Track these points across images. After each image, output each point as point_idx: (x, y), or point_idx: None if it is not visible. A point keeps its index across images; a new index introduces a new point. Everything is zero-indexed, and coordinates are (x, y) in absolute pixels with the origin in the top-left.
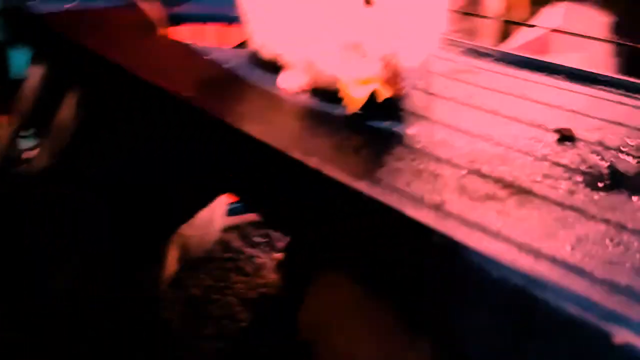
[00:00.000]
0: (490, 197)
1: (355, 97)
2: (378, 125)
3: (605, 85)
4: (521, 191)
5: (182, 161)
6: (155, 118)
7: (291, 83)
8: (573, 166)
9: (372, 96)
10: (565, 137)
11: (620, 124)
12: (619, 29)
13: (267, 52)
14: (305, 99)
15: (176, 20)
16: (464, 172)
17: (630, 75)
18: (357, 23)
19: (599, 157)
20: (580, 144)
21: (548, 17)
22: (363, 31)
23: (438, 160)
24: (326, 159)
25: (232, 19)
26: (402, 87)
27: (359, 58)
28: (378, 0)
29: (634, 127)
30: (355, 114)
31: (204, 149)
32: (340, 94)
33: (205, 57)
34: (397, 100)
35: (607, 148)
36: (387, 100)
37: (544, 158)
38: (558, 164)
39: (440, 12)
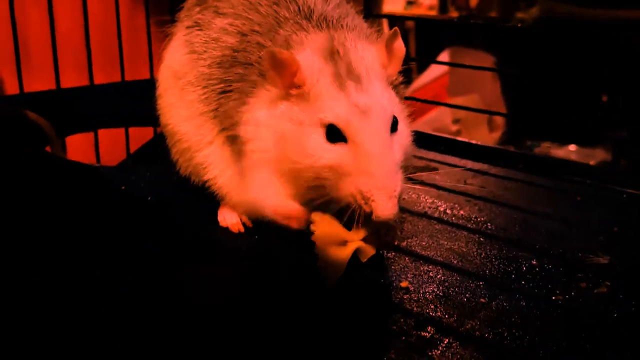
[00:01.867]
0: None
1: (333, 263)
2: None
3: None
4: None
5: None
6: None
7: (234, 219)
8: None
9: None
10: None
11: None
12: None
13: (198, 177)
14: (252, 243)
15: (71, 126)
16: None
17: None
18: (319, 162)
19: None
20: None
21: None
22: (328, 172)
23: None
24: None
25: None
26: (391, 238)
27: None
28: (350, 135)
29: None
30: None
31: None
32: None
33: (109, 185)
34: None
35: None
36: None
37: None
38: None
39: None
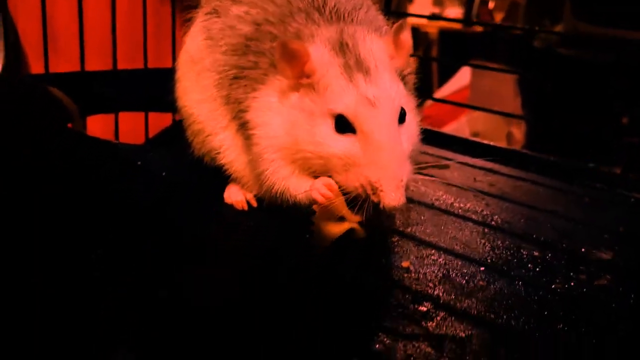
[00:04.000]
0: None
1: (324, 234)
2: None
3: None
4: None
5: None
6: None
7: (239, 196)
8: None
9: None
10: None
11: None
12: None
13: (211, 158)
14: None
15: (92, 107)
16: None
17: None
18: (328, 151)
19: None
20: None
21: (462, 75)
22: (336, 162)
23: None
24: None
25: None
26: (390, 224)
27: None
28: (358, 126)
29: None
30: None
31: None
32: (313, 228)
33: (130, 162)
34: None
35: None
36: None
37: None
38: None
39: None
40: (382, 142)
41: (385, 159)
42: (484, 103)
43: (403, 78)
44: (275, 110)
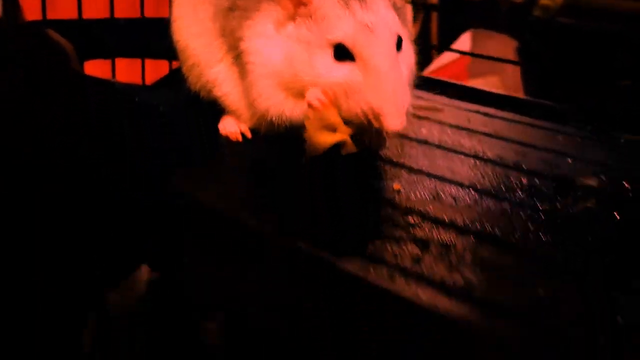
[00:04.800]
0: None
1: (314, 143)
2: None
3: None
4: None
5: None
6: None
7: (233, 128)
8: None
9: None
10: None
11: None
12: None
13: (207, 92)
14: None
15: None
16: None
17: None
18: (329, 80)
19: None
20: None
21: (462, 42)
22: (337, 91)
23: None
24: None
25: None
26: (382, 141)
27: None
28: (357, 52)
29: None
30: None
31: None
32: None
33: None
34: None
35: None
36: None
37: None
38: None
39: (412, 63)
40: (383, 68)
41: (386, 84)
42: (484, 71)
43: (397, 10)
44: (270, 37)
